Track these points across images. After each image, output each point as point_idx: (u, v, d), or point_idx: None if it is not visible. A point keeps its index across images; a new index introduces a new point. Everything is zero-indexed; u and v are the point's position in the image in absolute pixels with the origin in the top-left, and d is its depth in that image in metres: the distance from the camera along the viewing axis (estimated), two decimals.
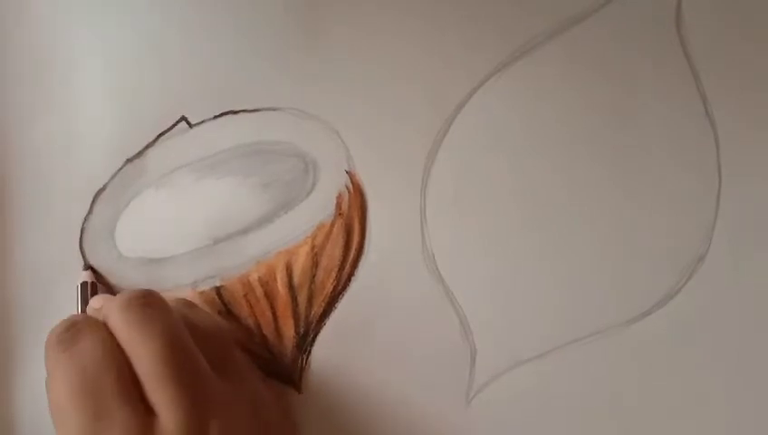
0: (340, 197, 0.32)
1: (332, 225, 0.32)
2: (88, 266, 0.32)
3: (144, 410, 0.25)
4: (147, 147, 0.32)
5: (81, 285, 0.31)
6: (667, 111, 0.31)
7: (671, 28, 0.31)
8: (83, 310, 0.31)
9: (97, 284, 0.31)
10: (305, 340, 0.32)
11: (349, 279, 0.32)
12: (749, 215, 0.31)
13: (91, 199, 0.32)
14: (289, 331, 0.32)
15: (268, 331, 0.32)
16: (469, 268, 0.32)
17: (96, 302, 0.30)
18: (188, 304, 0.30)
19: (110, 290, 0.32)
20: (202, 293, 0.32)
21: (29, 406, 0.32)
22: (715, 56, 0.31)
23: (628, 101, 0.31)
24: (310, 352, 0.32)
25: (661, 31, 0.31)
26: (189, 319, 0.28)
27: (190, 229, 0.32)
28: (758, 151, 0.31)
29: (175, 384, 0.25)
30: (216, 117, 0.32)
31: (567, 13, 0.31)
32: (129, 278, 0.32)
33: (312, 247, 0.32)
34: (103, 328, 0.27)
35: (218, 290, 0.32)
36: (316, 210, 0.32)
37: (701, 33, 0.31)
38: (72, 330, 0.26)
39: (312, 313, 0.32)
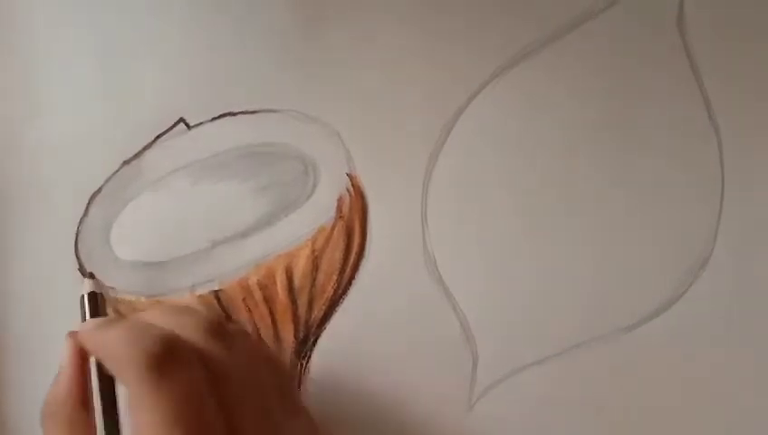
0: (340, 199, 0.32)
1: (333, 228, 0.31)
2: (90, 274, 0.30)
3: None
4: (144, 148, 0.32)
5: (89, 295, 0.28)
6: (669, 114, 0.31)
7: (673, 32, 0.31)
8: None
9: (103, 295, 0.29)
10: (305, 345, 0.31)
11: (349, 283, 0.31)
12: (752, 219, 0.31)
13: (87, 201, 0.32)
14: (288, 335, 0.31)
15: (267, 336, 0.32)
16: (470, 272, 0.31)
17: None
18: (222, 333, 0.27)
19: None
20: (200, 296, 0.31)
21: (27, 407, 0.31)
22: (718, 59, 0.31)
23: (629, 105, 0.31)
24: (309, 357, 0.31)
25: (663, 34, 0.31)
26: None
27: (188, 232, 0.32)
28: (761, 155, 0.31)
29: (256, 424, 0.24)
30: (214, 119, 0.32)
31: (567, 17, 0.31)
32: (126, 282, 0.32)
33: (313, 251, 0.31)
34: (194, 359, 0.25)
35: (217, 294, 0.31)
36: (316, 213, 0.31)
37: (704, 37, 0.31)
38: (167, 357, 0.24)
39: (312, 317, 0.31)
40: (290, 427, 0.26)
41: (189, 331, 0.25)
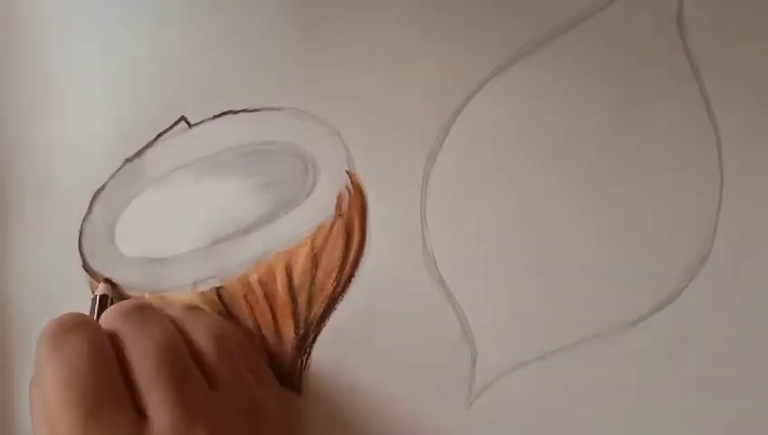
0: (340, 197, 0.32)
1: (332, 226, 0.32)
2: (106, 279, 0.32)
3: (135, 412, 0.25)
4: (146, 147, 0.32)
5: (100, 297, 0.31)
6: (668, 113, 0.31)
7: (673, 30, 0.31)
8: None
9: (113, 298, 0.31)
10: (305, 341, 0.32)
11: (349, 280, 0.32)
12: (752, 217, 0.30)
13: (90, 199, 0.32)
14: (289, 332, 0.32)
15: (268, 332, 0.32)
16: (469, 270, 0.31)
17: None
18: (191, 307, 0.31)
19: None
20: (202, 293, 0.32)
21: (25, 408, 0.32)
22: (718, 58, 0.31)
23: (628, 103, 0.31)
24: (309, 353, 0.32)
25: (662, 33, 0.31)
26: (190, 322, 0.29)
27: (190, 230, 0.32)
28: (761, 153, 0.30)
29: (166, 387, 0.26)
30: (215, 117, 0.32)
31: (565, 16, 0.31)
32: (129, 278, 0.32)
33: (312, 248, 0.31)
34: (97, 327, 0.27)
35: (218, 291, 0.32)
36: (316, 211, 0.32)
37: (703, 36, 0.31)
38: (65, 327, 0.26)
39: (312, 314, 0.32)
40: (213, 395, 0.27)
41: (105, 317, 0.28)
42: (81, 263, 0.32)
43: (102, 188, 0.32)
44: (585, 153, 0.31)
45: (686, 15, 0.31)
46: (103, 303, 0.30)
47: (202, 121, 0.32)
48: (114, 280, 0.32)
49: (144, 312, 0.28)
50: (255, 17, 0.32)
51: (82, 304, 0.32)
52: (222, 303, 0.32)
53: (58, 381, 0.25)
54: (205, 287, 0.32)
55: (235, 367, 0.28)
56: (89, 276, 0.32)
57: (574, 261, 0.31)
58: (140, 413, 0.25)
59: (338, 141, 0.32)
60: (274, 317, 0.32)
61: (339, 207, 0.32)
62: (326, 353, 0.32)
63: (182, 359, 0.27)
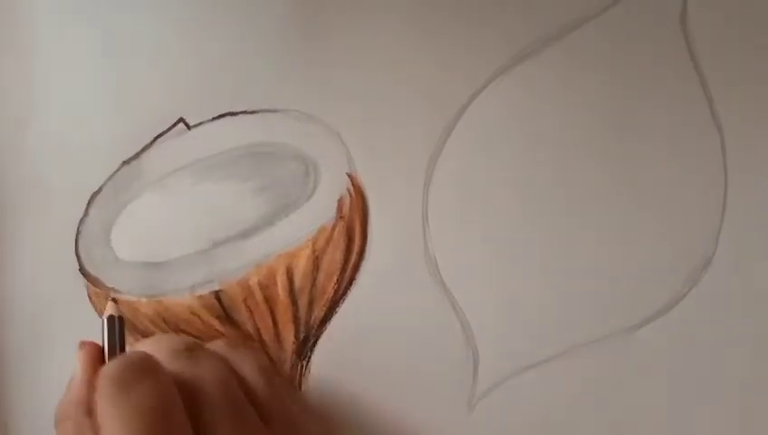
0: (341, 200, 0.31)
1: (333, 228, 0.31)
2: (113, 299, 0.31)
3: None
4: (144, 149, 0.32)
5: (108, 318, 0.30)
6: (672, 113, 0.31)
7: (676, 30, 0.31)
8: (110, 344, 0.29)
9: (123, 318, 0.30)
10: (305, 345, 0.31)
11: (350, 283, 0.31)
12: (756, 219, 0.30)
13: (87, 202, 0.32)
14: (289, 336, 0.31)
15: (268, 336, 0.32)
16: (471, 273, 0.31)
17: None
18: (230, 343, 0.30)
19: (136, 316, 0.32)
20: (200, 297, 0.31)
21: (28, 408, 0.32)
22: (722, 58, 0.31)
23: (632, 104, 0.31)
24: (310, 357, 0.31)
25: (666, 33, 0.31)
26: (237, 359, 0.29)
27: (188, 233, 0.32)
28: (765, 154, 0.30)
29: (226, 427, 0.25)
30: (214, 118, 0.32)
31: (569, 16, 0.31)
32: (126, 282, 0.32)
33: (313, 251, 0.31)
34: (166, 374, 0.26)
35: (217, 294, 0.31)
36: (317, 213, 0.31)
37: (707, 35, 0.31)
38: (134, 370, 0.25)
39: (313, 317, 0.31)
40: (269, 431, 0.27)
41: (157, 354, 0.27)
42: (78, 266, 0.32)
43: (99, 191, 0.32)
44: (588, 154, 0.31)
45: (689, 16, 0.31)
46: (112, 324, 0.30)
47: (201, 123, 0.32)
48: (114, 291, 0.32)
49: (196, 353, 0.27)
50: (255, 19, 0.32)
51: (78, 307, 0.32)
52: (221, 307, 0.31)
53: (123, 429, 0.24)
54: (203, 291, 0.31)
55: (283, 399, 0.28)
56: (85, 280, 0.32)
57: (577, 264, 0.31)
58: None
59: (339, 143, 0.32)
60: (275, 321, 0.31)
61: (340, 209, 0.31)
62: (327, 357, 0.31)
63: (239, 397, 0.26)
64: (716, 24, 0.31)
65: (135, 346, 0.29)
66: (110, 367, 0.26)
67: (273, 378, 0.28)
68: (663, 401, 0.31)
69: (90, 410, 0.25)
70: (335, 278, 0.31)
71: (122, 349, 0.28)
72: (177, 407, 0.25)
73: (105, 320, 0.29)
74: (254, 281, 0.31)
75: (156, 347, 0.28)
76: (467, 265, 0.31)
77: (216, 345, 0.29)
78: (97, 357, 0.28)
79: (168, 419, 0.25)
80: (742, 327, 0.30)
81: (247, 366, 0.28)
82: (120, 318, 0.30)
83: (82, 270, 0.32)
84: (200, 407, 0.25)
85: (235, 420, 0.26)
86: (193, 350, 0.28)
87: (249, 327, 0.31)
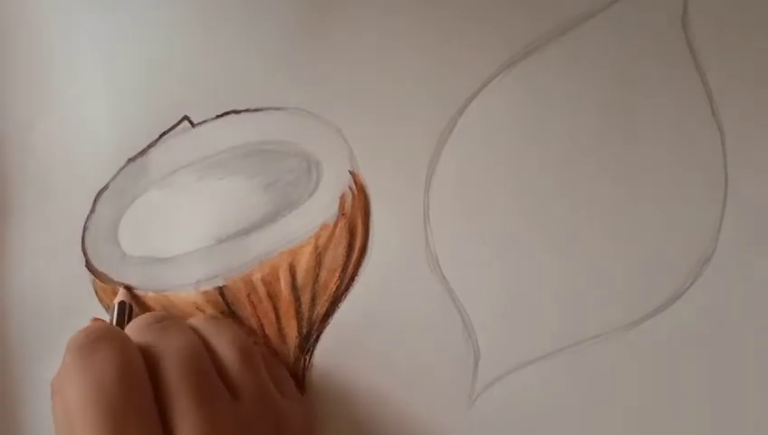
0: (343, 197, 0.32)
1: (336, 225, 0.32)
2: (126, 285, 0.32)
3: (162, 429, 0.25)
4: (149, 146, 0.32)
5: (118, 304, 0.30)
6: (672, 111, 0.31)
7: (677, 27, 0.31)
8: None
9: (133, 306, 0.31)
10: (308, 340, 0.32)
11: (352, 280, 0.32)
12: (756, 216, 0.30)
13: (93, 199, 0.32)
14: (292, 331, 0.32)
15: (271, 331, 0.32)
16: (472, 269, 0.31)
17: None
18: (213, 317, 0.30)
19: (144, 307, 0.32)
20: (205, 293, 0.32)
21: (31, 404, 0.32)
22: (722, 56, 0.30)
23: (633, 100, 0.31)
24: (312, 352, 0.32)
25: (667, 30, 0.31)
26: (213, 334, 0.28)
27: (193, 229, 0.32)
28: (765, 152, 0.30)
29: (189, 400, 0.25)
30: (218, 116, 0.32)
31: (571, 13, 0.31)
32: (132, 278, 0.32)
33: (316, 248, 0.31)
34: (126, 340, 0.26)
35: (221, 290, 0.32)
36: (319, 210, 0.32)
37: (708, 33, 0.31)
38: (93, 338, 0.26)
39: (315, 313, 0.32)
40: (237, 407, 0.27)
41: (128, 329, 0.27)
42: (84, 262, 0.32)
43: (105, 188, 0.32)
44: (589, 152, 0.31)
45: (690, 15, 0.31)
46: (122, 309, 0.30)
47: (205, 121, 0.32)
48: (127, 284, 0.32)
49: (166, 323, 0.28)
50: (259, 17, 0.32)
51: (84, 303, 0.32)
52: (225, 302, 0.32)
53: (83, 397, 0.24)
54: (208, 287, 0.32)
55: (259, 378, 0.28)
56: (91, 276, 0.32)
57: (577, 260, 0.31)
58: (166, 427, 0.25)
59: (341, 141, 0.32)
60: (277, 316, 0.32)
61: (342, 206, 0.32)
62: (329, 352, 0.32)
63: (206, 371, 0.26)
64: (717, 24, 0.30)
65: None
66: (74, 337, 0.26)
67: (249, 355, 0.28)
68: (663, 396, 0.31)
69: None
70: (337, 274, 0.32)
71: None
72: (138, 374, 0.25)
73: (116, 305, 0.30)
74: (257, 277, 0.32)
75: (133, 322, 0.28)
76: (468, 262, 0.31)
77: (196, 319, 0.29)
78: None
79: (128, 386, 0.25)
80: (742, 323, 0.30)
81: (222, 339, 0.28)
82: (130, 305, 0.30)
83: (89, 266, 0.32)
84: (162, 377, 0.25)
85: (196, 389, 0.25)
86: (163, 321, 0.28)
87: (252, 322, 0.32)
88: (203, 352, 0.27)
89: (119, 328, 0.27)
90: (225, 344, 0.28)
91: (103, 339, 0.26)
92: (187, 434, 0.25)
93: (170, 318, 0.28)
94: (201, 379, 0.26)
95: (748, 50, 0.30)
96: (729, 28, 0.30)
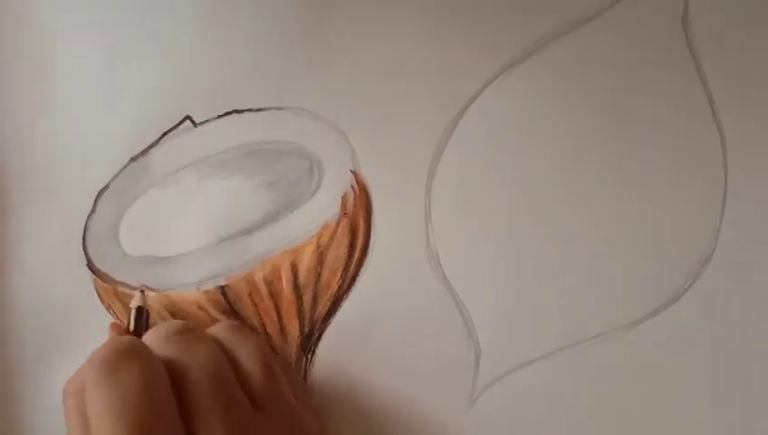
0: (345, 196, 0.32)
1: (337, 224, 0.32)
2: (142, 289, 0.32)
3: None
4: (151, 146, 0.32)
5: (136, 309, 0.30)
6: (673, 112, 0.31)
7: (678, 29, 0.31)
8: (136, 334, 0.29)
9: (147, 310, 0.31)
10: (310, 339, 0.32)
11: (354, 279, 0.32)
12: (756, 216, 0.30)
13: (95, 198, 0.32)
14: (293, 330, 0.32)
15: (273, 330, 0.32)
16: (473, 269, 0.31)
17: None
18: (233, 327, 0.30)
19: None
20: (207, 292, 0.32)
21: (34, 405, 0.32)
22: (723, 58, 0.31)
23: (634, 102, 0.31)
24: (314, 351, 0.32)
25: (668, 32, 0.31)
26: (235, 345, 0.28)
27: (195, 228, 0.32)
28: (765, 153, 0.30)
29: (212, 412, 0.25)
30: (220, 116, 0.32)
31: (573, 14, 0.31)
32: (134, 277, 0.32)
33: (318, 247, 0.32)
34: (152, 356, 0.26)
35: (223, 289, 0.32)
36: (321, 210, 0.32)
37: (708, 35, 0.31)
38: (120, 353, 0.25)
39: (317, 312, 0.32)
40: (261, 419, 0.27)
41: (148, 340, 0.27)
42: (85, 262, 0.32)
43: (107, 187, 0.32)
44: (590, 153, 0.31)
45: (691, 16, 0.31)
46: (140, 314, 0.30)
47: (207, 121, 0.32)
48: (142, 286, 0.32)
49: (189, 336, 0.27)
50: (261, 17, 0.32)
51: (85, 303, 0.32)
52: (227, 301, 0.32)
53: (107, 412, 0.24)
54: (209, 286, 0.32)
55: (281, 389, 0.28)
56: (92, 276, 0.32)
57: (578, 260, 0.31)
58: None
59: (343, 141, 0.32)
60: (279, 316, 0.32)
61: (344, 205, 0.32)
62: (331, 351, 0.32)
63: (230, 385, 0.26)
64: (718, 25, 0.31)
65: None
66: (97, 351, 0.25)
67: (271, 366, 0.28)
68: (663, 397, 0.31)
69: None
70: (339, 274, 0.32)
71: None
72: (164, 390, 0.25)
73: (133, 310, 0.30)
74: (259, 276, 0.32)
75: (153, 332, 0.28)
76: (470, 261, 0.31)
77: (218, 328, 0.29)
78: None
79: (153, 402, 0.24)
80: (742, 323, 0.30)
81: (245, 352, 0.28)
82: (147, 310, 0.30)
83: (90, 265, 0.32)
84: (186, 390, 0.25)
85: (222, 404, 0.25)
86: (186, 333, 0.27)
87: (254, 321, 0.32)
88: (226, 365, 0.27)
89: (142, 342, 0.27)
90: (247, 357, 0.28)
91: (128, 355, 0.25)
92: None
93: (192, 330, 0.28)
94: (225, 393, 0.26)
95: (748, 50, 0.30)
96: (729, 28, 0.31)
